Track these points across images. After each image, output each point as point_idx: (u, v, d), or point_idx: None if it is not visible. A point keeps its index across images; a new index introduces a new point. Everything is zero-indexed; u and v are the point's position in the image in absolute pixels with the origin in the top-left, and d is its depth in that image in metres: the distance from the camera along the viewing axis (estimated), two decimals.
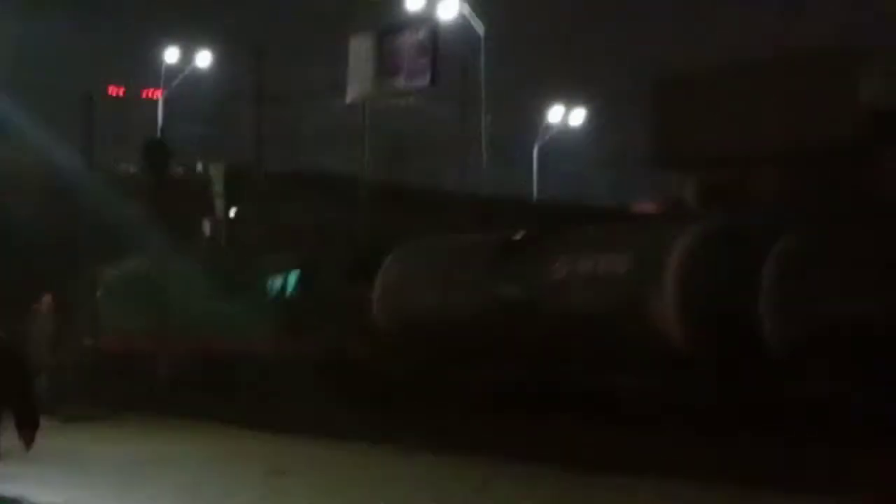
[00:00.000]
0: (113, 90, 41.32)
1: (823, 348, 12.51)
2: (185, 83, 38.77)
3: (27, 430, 7.77)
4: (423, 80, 30.32)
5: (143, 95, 40.56)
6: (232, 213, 30.03)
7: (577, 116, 42.03)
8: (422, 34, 30.87)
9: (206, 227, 27.55)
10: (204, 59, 38.94)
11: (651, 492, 11.31)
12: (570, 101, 41.57)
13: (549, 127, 41.81)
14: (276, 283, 19.62)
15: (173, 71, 38.96)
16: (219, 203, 28.82)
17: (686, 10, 39.46)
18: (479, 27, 33.75)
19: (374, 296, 17.67)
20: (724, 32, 34.96)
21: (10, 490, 10.40)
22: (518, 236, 16.39)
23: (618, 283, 14.33)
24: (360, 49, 30.81)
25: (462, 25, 33.72)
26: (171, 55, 38.97)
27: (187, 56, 39.02)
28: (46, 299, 19.60)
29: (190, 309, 20.67)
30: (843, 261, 12.66)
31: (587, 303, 14.65)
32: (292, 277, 19.42)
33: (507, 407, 15.05)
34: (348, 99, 31.06)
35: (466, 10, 33.51)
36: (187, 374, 20.38)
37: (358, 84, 31.03)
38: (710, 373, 13.48)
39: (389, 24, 31.91)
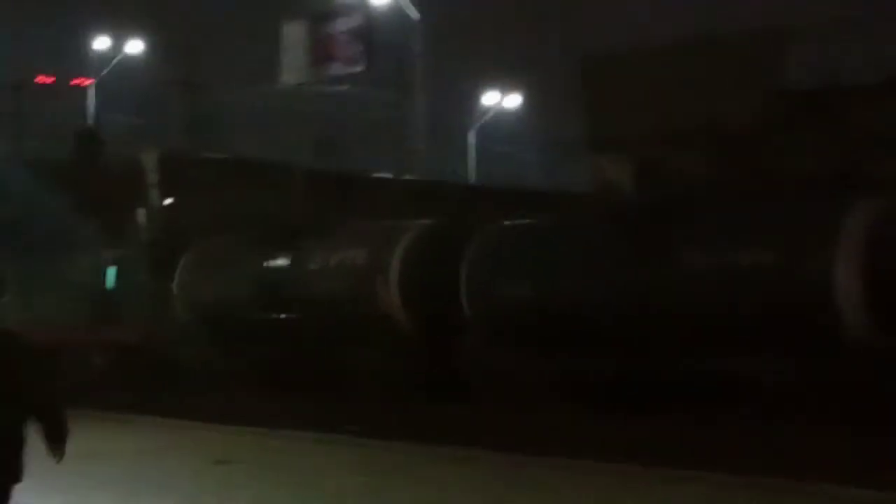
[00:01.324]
0: (42, 78, 40.69)
1: (500, 324, 15.50)
2: (116, 71, 38.39)
3: (56, 442, 6.19)
4: (358, 66, 30.32)
5: (73, 84, 40.00)
6: (167, 201, 29.66)
7: (513, 100, 42.18)
8: (355, 20, 30.83)
9: (141, 216, 27.25)
10: (135, 46, 38.57)
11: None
12: (506, 84, 41.68)
13: (485, 110, 41.90)
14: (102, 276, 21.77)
15: (104, 59, 38.53)
16: (153, 192, 28.51)
17: None
18: (413, 12, 33.75)
19: (174, 288, 20.69)
20: (654, 11, 35.23)
21: None
22: (289, 232, 19.24)
23: (356, 274, 17.32)
24: (292, 36, 30.70)
25: (395, 10, 33.70)
26: (102, 43, 38.55)
27: (118, 44, 38.61)
28: None
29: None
30: (508, 251, 15.64)
31: (332, 290, 17.66)
32: (111, 271, 21.60)
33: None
34: (282, 85, 30.96)
35: None
36: (115, 367, 20.47)
37: (292, 71, 30.91)
38: (428, 348, 16.43)
39: (322, 10, 31.82)
